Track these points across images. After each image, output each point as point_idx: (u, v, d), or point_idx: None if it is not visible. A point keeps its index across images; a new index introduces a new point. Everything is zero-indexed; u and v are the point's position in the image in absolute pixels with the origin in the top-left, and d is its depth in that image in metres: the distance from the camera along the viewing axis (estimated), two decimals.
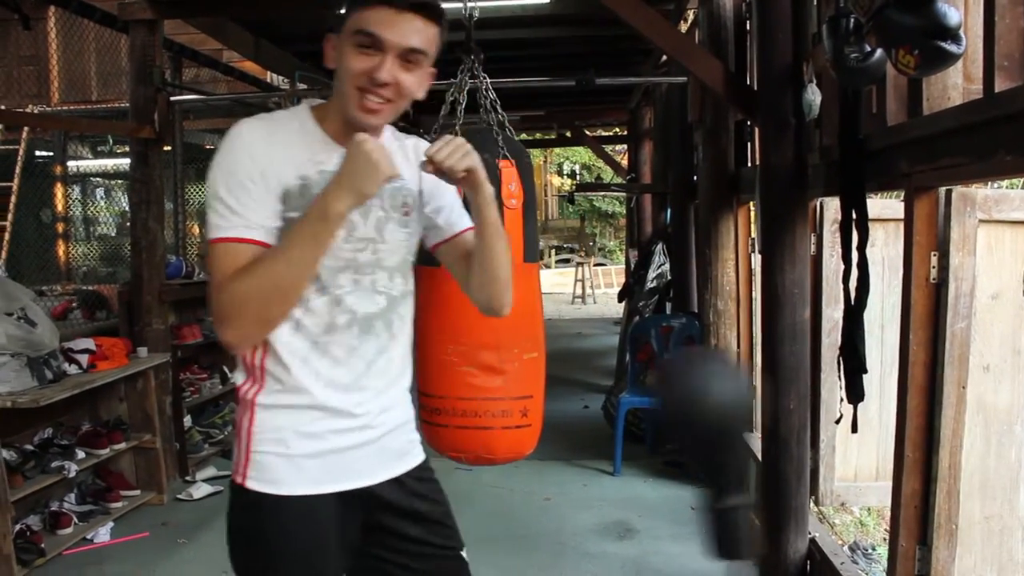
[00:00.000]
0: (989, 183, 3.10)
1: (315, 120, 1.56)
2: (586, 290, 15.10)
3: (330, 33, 1.54)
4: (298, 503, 1.52)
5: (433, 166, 1.51)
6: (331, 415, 1.54)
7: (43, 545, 3.76)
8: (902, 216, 2.59)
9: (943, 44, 1.88)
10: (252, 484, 1.52)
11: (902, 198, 2.78)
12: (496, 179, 2.32)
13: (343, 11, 1.51)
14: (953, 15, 1.87)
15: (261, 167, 1.47)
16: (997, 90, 2.02)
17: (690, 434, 1.52)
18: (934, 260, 2.45)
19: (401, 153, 1.65)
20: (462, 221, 1.71)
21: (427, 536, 1.65)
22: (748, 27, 4.49)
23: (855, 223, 2.69)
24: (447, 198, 1.70)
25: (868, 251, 2.65)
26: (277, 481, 1.52)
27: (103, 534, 4.10)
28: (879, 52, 2.27)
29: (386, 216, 1.59)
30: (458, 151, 1.51)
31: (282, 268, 1.42)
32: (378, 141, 1.50)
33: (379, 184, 1.45)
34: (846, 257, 2.76)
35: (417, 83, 1.53)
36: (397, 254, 1.61)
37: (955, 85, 2.36)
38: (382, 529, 1.62)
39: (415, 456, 1.69)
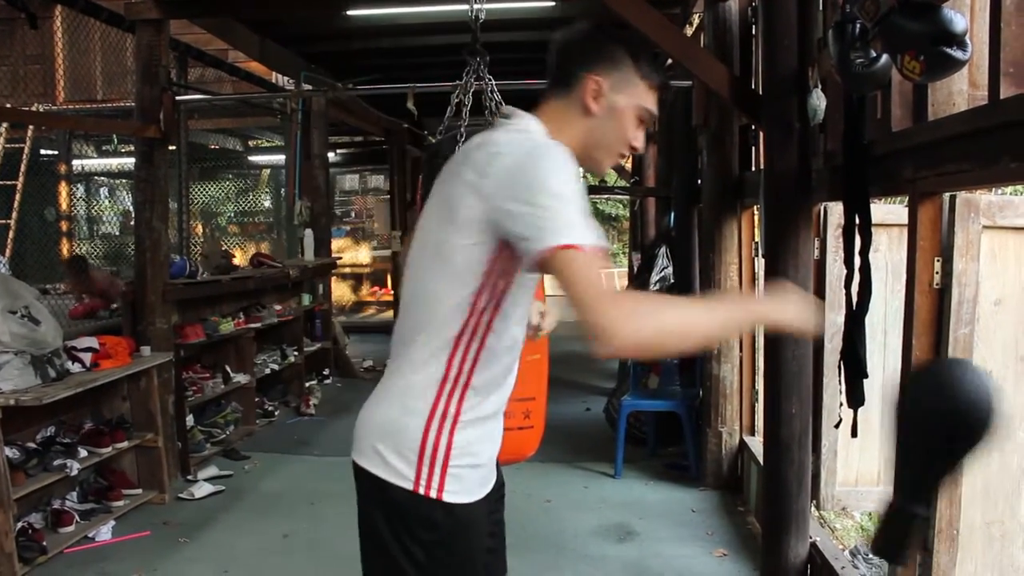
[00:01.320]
0: (993, 189, 3.09)
1: None
2: None
3: (597, 76, 1.61)
4: (480, 506, 1.63)
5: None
6: (497, 420, 1.67)
7: (45, 543, 3.76)
8: (905, 221, 2.59)
9: (949, 50, 1.88)
10: (448, 497, 1.56)
11: (906, 203, 2.78)
12: None
13: (637, 71, 1.63)
14: (959, 21, 1.87)
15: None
16: (1002, 96, 2.03)
17: (936, 435, 1.50)
18: (937, 266, 2.45)
19: None
20: None
21: (501, 515, 1.81)
22: (754, 32, 4.49)
23: (858, 228, 2.70)
24: None
25: (871, 256, 2.65)
26: (470, 491, 1.60)
27: (104, 532, 4.10)
28: (884, 58, 2.27)
29: None
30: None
31: (705, 326, 1.49)
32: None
33: (799, 332, 1.60)
34: (849, 262, 2.76)
35: None
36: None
37: (960, 91, 2.36)
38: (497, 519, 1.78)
39: None
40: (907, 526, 1.58)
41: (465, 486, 1.59)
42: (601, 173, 1.72)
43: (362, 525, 1.65)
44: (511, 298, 1.56)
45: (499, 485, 1.77)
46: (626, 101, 1.62)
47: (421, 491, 1.54)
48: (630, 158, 10.97)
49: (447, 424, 1.55)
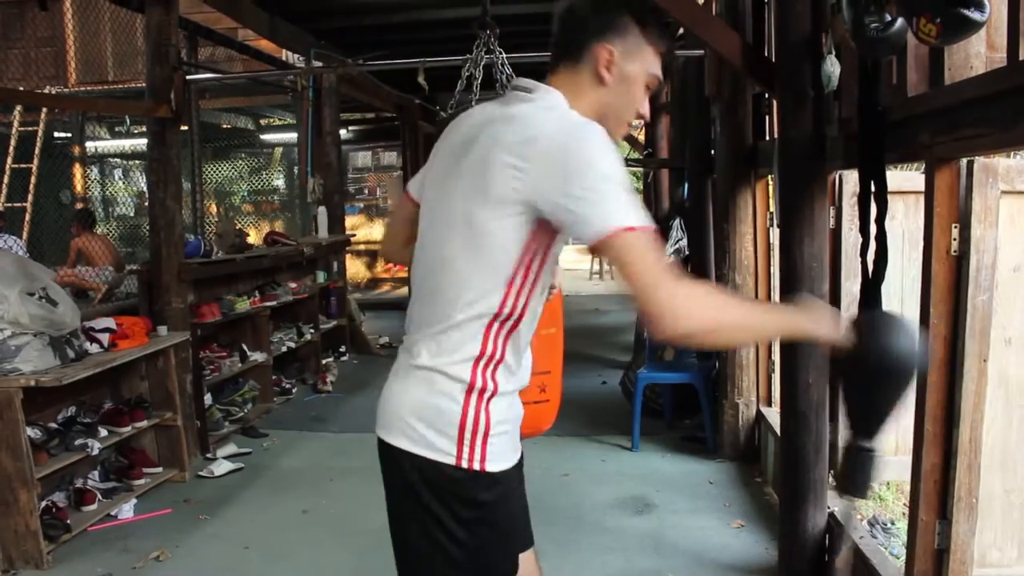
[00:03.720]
0: (1012, 153, 3.05)
1: None
2: (604, 266, 15.07)
3: (608, 45, 1.59)
4: (514, 470, 1.67)
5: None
6: (521, 390, 1.69)
7: (69, 521, 3.81)
8: (922, 188, 2.56)
9: (966, 11, 1.84)
10: (491, 467, 1.59)
11: (922, 170, 2.75)
12: None
13: (643, 39, 1.62)
14: None
15: None
16: (1022, 58, 1.99)
17: (867, 375, 1.65)
18: (955, 232, 2.43)
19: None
20: None
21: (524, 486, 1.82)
22: None
23: (874, 195, 2.66)
24: None
25: (887, 224, 2.62)
26: (506, 459, 1.63)
27: (127, 510, 4.15)
28: (900, 21, 2.23)
29: None
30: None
31: (757, 329, 1.66)
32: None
33: (821, 342, 1.64)
34: (864, 230, 2.73)
35: None
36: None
37: (978, 54, 2.32)
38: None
39: None
40: (866, 463, 1.70)
41: (504, 454, 1.62)
42: (615, 139, 1.68)
43: (395, 504, 1.65)
44: (544, 275, 1.56)
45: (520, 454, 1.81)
46: (637, 68, 1.62)
47: (464, 464, 1.56)
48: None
49: (484, 398, 1.56)
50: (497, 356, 1.56)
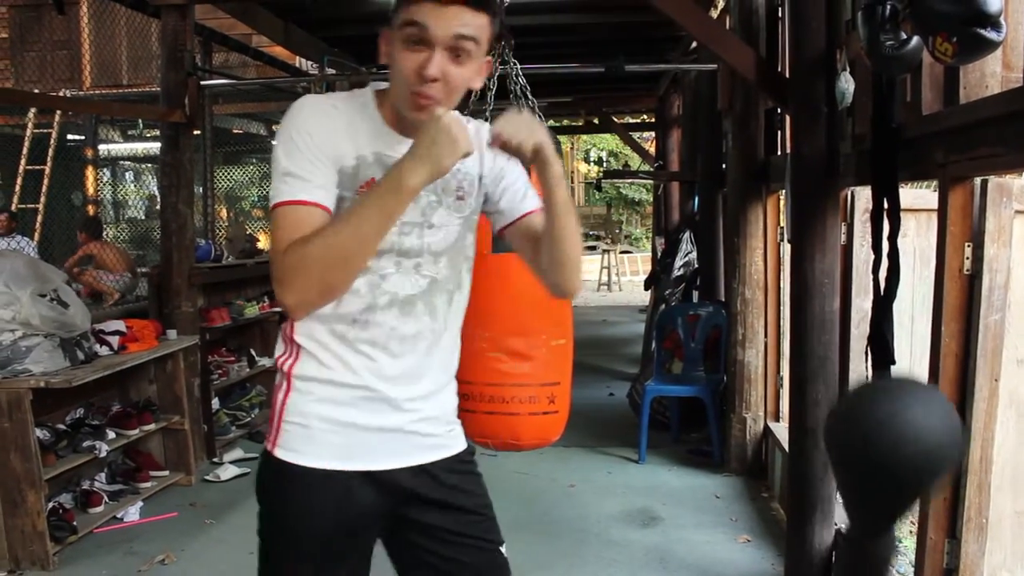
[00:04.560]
0: None
1: (376, 104, 1.56)
2: (612, 278, 15.07)
3: (384, 28, 1.51)
4: (320, 476, 1.53)
5: (501, 142, 1.48)
6: (361, 393, 1.54)
7: (75, 523, 3.82)
8: (934, 206, 2.56)
9: (982, 31, 1.84)
10: (279, 453, 1.56)
11: (935, 188, 2.74)
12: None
13: (394, 6, 1.49)
14: (993, 1, 1.83)
15: (320, 139, 1.48)
16: None
17: (879, 471, 1.28)
18: (968, 251, 2.42)
19: None
20: (525, 204, 1.68)
21: (463, 527, 1.63)
22: (780, 14, 4.44)
23: (887, 213, 2.66)
24: (509, 179, 1.67)
25: (899, 241, 2.62)
26: (301, 452, 1.54)
27: (133, 513, 4.16)
28: (915, 40, 2.23)
29: (438, 200, 1.57)
30: (527, 126, 1.48)
31: (347, 237, 1.42)
32: (456, 116, 1.47)
33: (456, 159, 1.44)
34: (877, 247, 2.73)
35: (469, 75, 1.50)
36: (447, 239, 1.59)
37: (993, 73, 2.32)
38: (413, 519, 1.61)
39: (451, 447, 1.65)
40: (877, 570, 1.49)
41: (297, 446, 1.55)
42: (413, 116, 1.48)
43: None
44: None
45: (420, 490, 1.60)
46: (394, 32, 1.47)
47: (268, 445, 1.59)
48: (652, 142, 10.91)
49: (282, 380, 1.58)
50: (288, 334, 1.57)
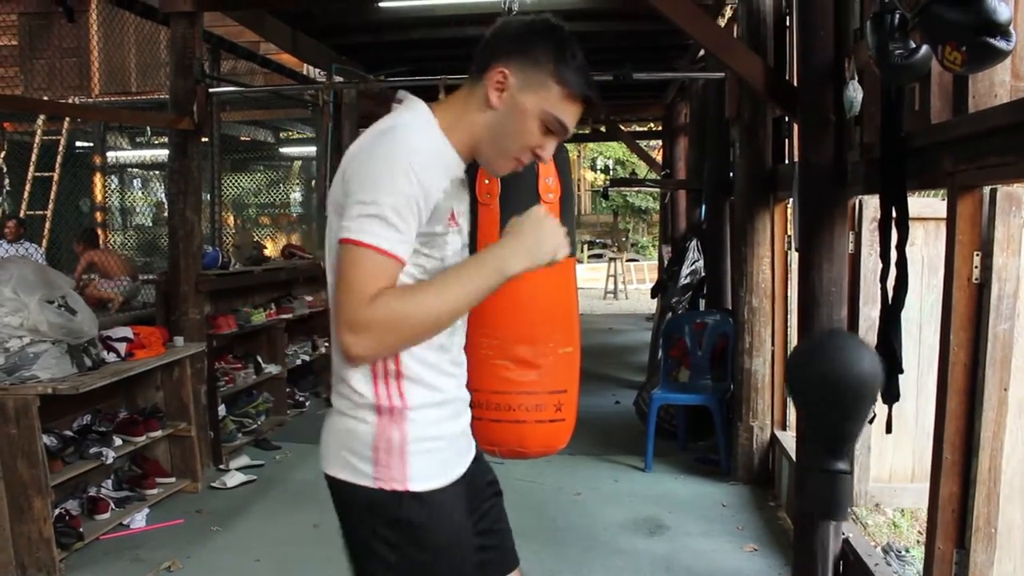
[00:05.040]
0: None
1: (440, 127, 1.56)
2: (618, 286, 15.06)
3: (505, 68, 1.52)
4: (450, 492, 1.59)
5: None
6: (455, 405, 1.65)
7: (81, 529, 3.82)
8: (942, 215, 2.55)
9: (992, 40, 1.84)
10: (416, 486, 1.53)
11: (942, 197, 2.74)
12: (534, 173, 2.31)
13: (553, 71, 1.52)
14: (1003, 10, 1.83)
15: (427, 185, 1.45)
16: None
17: (826, 396, 1.66)
18: (977, 260, 2.41)
19: None
20: None
21: (500, 511, 1.80)
22: (788, 22, 4.45)
23: (895, 221, 2.66)
24: None
25: (907, 250, 2.61)
26: (436, 476, 1.57)
27: (139, 520, 4.16)
28: (924, 48, 2.23)
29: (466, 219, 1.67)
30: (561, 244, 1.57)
31: (446, 305, 1.44)
32: (553, 216, 1.57)
33: (553, 256, 1.54)
34: (884, 256, 2.72)
35: None
36: (464, 255, 1.66)
37: (1003, 82, 2.32)
38: (477, 507, 1.72)
39: None
40: (836, 484, 1.70)
41: (430, 472, 1.55)
42: (495, 173, 1.64)
43: (344, 536, 1.64)
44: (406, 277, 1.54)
45: (488, 481, 1.78)
46: (533, 102, 1.52)
47: (385, 486, 1.52)
48: (660, 150, 10.92)
49: (394, 416, 1.53)
50: (392, 369, 1.53)
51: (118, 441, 4.15)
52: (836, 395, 1.68)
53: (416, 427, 1.54)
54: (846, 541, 3.21)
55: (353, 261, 1.40)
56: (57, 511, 3.77)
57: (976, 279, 2.42)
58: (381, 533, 1.54)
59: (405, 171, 1.42)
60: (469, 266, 1.49)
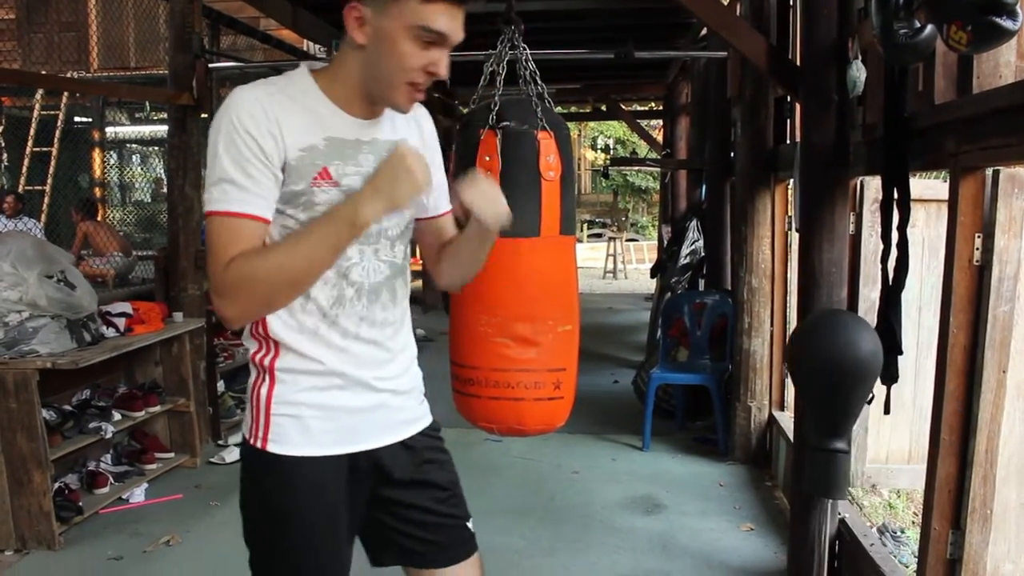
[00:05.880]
0: None
1: (319, 87, 1.52)
2: (617, 265, 15.05)
3: (356, 2, 1.46)
4: (311, 465, 1.55)
5: (464, 209, 1.56)
6: (342, 381, 1.57)
7: (81, 503, 3.84)
8: (944, 197, 2.54)
9: (998, 20, 1.82)
10: (272, 447, 1.55)
11: (944, 179, 2.73)
12: (535, 151, 2.30)
13: None
14: None
15: (263, 140, 1.43)
16: None
17: (825, 375, 1.66)
18: (978, 242, 2.41)
19: (402, 118, 1.64)
20: (443, 203, 1.75)
21: (434, 505, 1.68)
22: (792, 1, 4.41)
23: (896, 203, 2.65)
24: (436, 176, 1.68)
25: (908, 232, 2.61)
26: (293, 443, 1.54)
27: (138, 494, 4.18)
28: (929, 28, 2.22)
29: None
30: (492, 198, 1.57)
31: (298, 262, 1.43)
32: (418, 151, 1.50)
33: (415, 196, 1.48)
34: (885, 237, 2.72)
35: None
36: (400, 223, 1.62)
37: (1008, 62, 2.30)
38: (389, 497, 1.65)
39: (425, 419, 1.72)
40: (833, 462, 1.71)
41: (289, 438, 1.54)
42: (399, 108, 1.53)
43: None
44: None
45: (398, 466, 1.64)
46: (394, 23, 1.43)
47: (256, 443, 1.56)
48: (660, 128, 10.86)
49: (264, 375, 1.56)
50: (261, 331, 1.55)
51: (117, 416, 4.16)
52: (836, 374, 1.69)
53: (281, 388, 1.54)
54: (842, 521, 3.22)
55: (210, 231, 1.44)
56: (57, 485, 3.79)
57: (977, 261, 2.41)
58: (243, 486, 1.62)
59: (229, 131, 1.43)
60: (321, 219, 1.46)
